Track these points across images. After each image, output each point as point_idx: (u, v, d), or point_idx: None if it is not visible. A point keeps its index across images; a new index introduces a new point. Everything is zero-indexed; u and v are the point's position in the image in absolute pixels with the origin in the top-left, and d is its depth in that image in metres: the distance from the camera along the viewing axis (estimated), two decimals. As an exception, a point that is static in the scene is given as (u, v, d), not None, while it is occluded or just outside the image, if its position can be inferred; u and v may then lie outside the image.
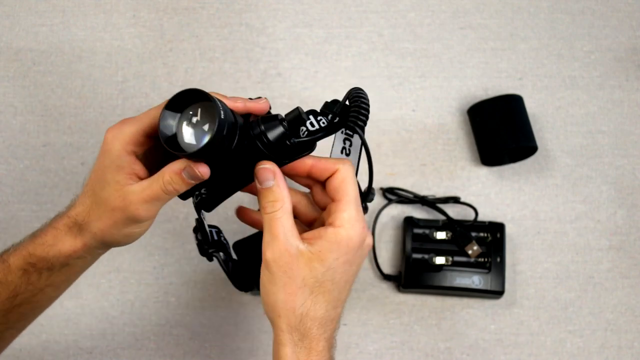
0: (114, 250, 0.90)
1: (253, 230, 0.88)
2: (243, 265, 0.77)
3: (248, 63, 0.99)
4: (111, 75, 0.99)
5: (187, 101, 0.55)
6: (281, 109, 0.97)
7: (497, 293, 0.89)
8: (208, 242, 0.67)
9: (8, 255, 0.64)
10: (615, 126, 0.97)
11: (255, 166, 0.57)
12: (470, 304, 0.91)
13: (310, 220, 0.64)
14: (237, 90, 0.97)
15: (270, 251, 0.56)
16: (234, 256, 0.77)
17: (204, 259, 0.92)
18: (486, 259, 0.90)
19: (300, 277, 0.55)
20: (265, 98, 0.60)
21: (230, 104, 0.57)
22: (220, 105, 0.54)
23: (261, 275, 0.57)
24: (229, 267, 0.70)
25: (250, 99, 0.60)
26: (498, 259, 0.90)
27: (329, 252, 0.55)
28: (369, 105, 0.59)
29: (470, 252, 0.89)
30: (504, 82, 0.99)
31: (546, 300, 0.91)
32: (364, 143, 0.60)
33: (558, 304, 0.91)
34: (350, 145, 0.63)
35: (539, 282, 0.92)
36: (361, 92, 0.60)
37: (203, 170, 0.56)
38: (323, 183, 0.60)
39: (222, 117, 0.53)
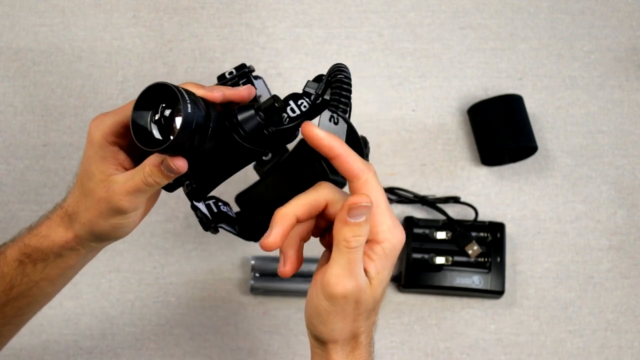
0: (114, 250, 0.91)
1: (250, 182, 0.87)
2: (247, 216, 0.77)
3: (248, 63, 0.99)
4: (111, 75, 0.99)
5: (157, 96, 0.53)
6: (281, 109, 0.97)
7: (497, 293, 0.89)
8: (208, 219, 0.66)
9: (5, 247, 0.65)
10: (615, 126, 0.97)
11: (348, 199, 0.52)
12: (470, 304, 0.91)
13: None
14: (237, 90, 0.97)
15: (342, 287, 0.52)
16: (236, 210, 0.77)
17: (204, 259, 0.93)
18: (486, 259, 0.90)
19: (363, 306, 0.54)
20: (250, 85, 0.59)
21: (206, 94, 0.56)
22: (187, 99, 0.52)
23: (316, 303, 0.54)
24: (236, 229, 0.70)
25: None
26: (498, 259, 0.90)
27: (384, 270, 0.54)
28: (350, 82, 0.57)
29: (470, 252, 0.89)
30: (504, 82, 0.99)
31: (546, 300, 0.91)
32: (349, 125, 0.57)
33: (558, 304, 0.91)
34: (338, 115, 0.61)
35: (539, 282, 0.92)
36: (342, 69, 0.57)
37: (179, 164, 0.56)
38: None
39: (189, 111, 0.51)
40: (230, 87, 0.59)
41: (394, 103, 0.98)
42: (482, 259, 0.90)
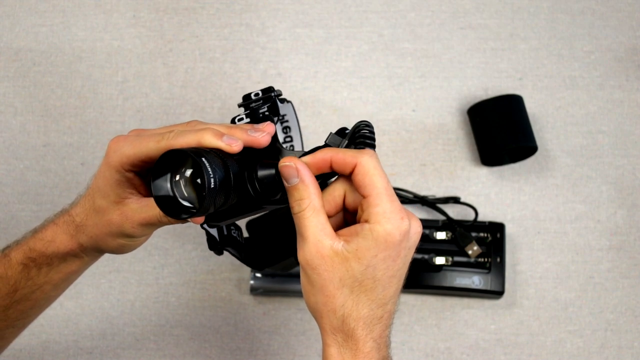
0: (114, 251, 0.90)
1: None
2: (256, 243, 0.77)
3: (248, 63, 0.99)
4: (111, 75, 0.99)
5: (174, 159, 0.52)
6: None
7: (497, 293, 0.89)
8: (216, 240, 0.67)
9: (10, 250, 0.65)
10: (615, 126, 0.97)
11: (278, 164, 0.54)
12: (470, 304, 0.91)
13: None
14: (237, 90, 0.97)
15: (302, 253, 0.53)
16: (246, 235, 0.77)
17: (204, 259, 0.93)
18: (486, 259, 0.90)
19: (337, 277, 0.52)
20: (270, 124, 0.58)
21: (225, 148, 0.55)
22: (209, 170, 0.50)
23: (301, 277, 0.55)
24: (242, 256, 0.70)
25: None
26: (498, 259, 0.90)
27: (367, 250, 0.52)
28: (374, 140, 0.56)
29: (470, 252, 0.89)
30: (504, 82, 0.99)
31: (546, 300, 0.91)
32: None
33: (558, 304, 0.91)
34: None
35: (539, 282, 0.92)
36: (367, 127, 0.56)
37: (196, 220, 0.57)
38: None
39: (212, 185, 0.50)
40: (249, 131, 0.57)
41: (394, 103, 0.98)
42: (482, 259, 0.90)
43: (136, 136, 0.58)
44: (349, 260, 0.52)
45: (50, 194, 0.95)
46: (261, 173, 0.55)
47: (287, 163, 0.53)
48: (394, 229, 0.52)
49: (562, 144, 0.96)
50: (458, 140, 0.97)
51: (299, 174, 0.53)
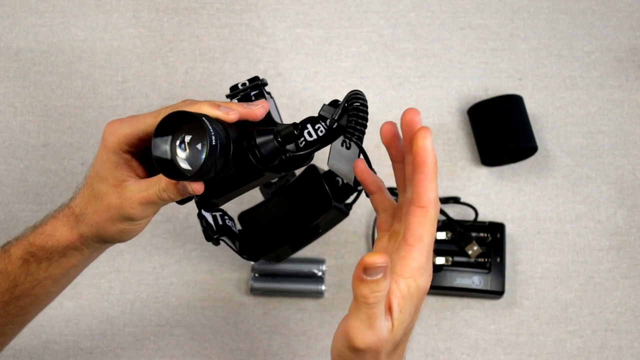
0: (114, 251, 0.91)
1: (255, 202, 0.88)
2: (248, 234, 0.78)
3: (248, 63, 0.99)
4: (111, 75, 0.99)
5: (177, 122, 0.53)
6: (282, 109, 0.97)
7: (497, 293, 0.89)
8: (213, 229, 0.67)
9: (10, 245, 0.65)
10: (615, 126, 0.97)
11: (363, 257, 0.49)
12: (470, 304, 0.91)
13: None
14: (237, 90, 0.97)
15: (362, 341, 0.50)
16: (239, 227, 0.78)
17: (204, 259, 0.93)
18: (486, 259, 0.90)
19: (384, 352, 0.52)
20: (264, 100, 0.59)
21: (222, 116, 0.56)
22: (210, 129, 0.52)
23: (340, 348, 0.53)
24: (236, 245, 0.71)
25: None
26: (498, 259, 0.90)
27: (406, 311, 0.52)
28: (367, 110, 0.58)
29: (470, 252, 0.89)
30: (504, 82, 0.99)
31: (546, 300, 0.91)
32: (362, 152, 0.59)
33: (558, 304, 0.91)
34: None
35: (539, 282, 0.92)
36: (359, 96, 0.58)
37: (196, 187, 0.56)
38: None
39: (213, 143, 0.51)
40: (245, 104, 0.59)
41: (394, 103, 0.98)
42: (482, 259, 0.90)
43: (132, 116, 0.59)
44: (396, 330, 0.52)
45: (50, 194, 0.95)
46: (259, 139, 0.56)
47: (381, 264, 0.47)
48: (423, 284, 0.52)
49: (562, 144, 0.96)
50: (458, 140, 0.97)
51: (385, 270, 0.49)
